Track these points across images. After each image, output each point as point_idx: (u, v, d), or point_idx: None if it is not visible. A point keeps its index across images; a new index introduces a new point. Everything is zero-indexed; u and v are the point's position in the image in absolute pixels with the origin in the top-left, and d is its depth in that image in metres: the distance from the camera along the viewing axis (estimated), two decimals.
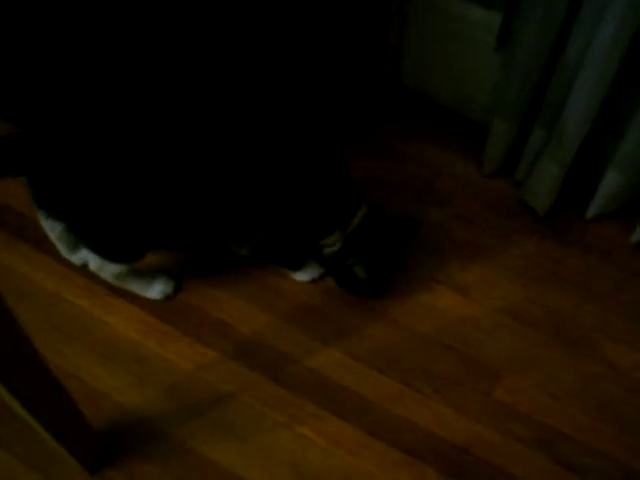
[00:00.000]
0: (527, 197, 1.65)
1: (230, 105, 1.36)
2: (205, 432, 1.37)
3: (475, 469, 1.33)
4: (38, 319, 1.48)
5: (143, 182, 1.27)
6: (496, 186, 1.72)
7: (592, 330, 1.50)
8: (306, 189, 1.35)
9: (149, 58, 1.45)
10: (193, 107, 1.33)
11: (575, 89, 1.39)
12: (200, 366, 1.44)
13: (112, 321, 1.50)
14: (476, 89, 1.72)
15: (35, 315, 1.48)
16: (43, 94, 1.47)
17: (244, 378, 1.43)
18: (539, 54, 1.44)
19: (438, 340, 1.48)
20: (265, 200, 1.34)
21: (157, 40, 1.44)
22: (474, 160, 1.75)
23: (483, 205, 1.69)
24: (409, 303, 1.54)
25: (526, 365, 1.45)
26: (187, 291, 1.55)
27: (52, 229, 1.46)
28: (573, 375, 1.44)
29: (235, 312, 1.52)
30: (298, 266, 1.54)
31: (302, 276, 1.55)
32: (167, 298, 1.53)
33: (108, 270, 1.45)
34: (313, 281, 1.56)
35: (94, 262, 1.44)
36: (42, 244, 1.58)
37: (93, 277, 1.50)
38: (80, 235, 1.38)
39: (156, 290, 1.53)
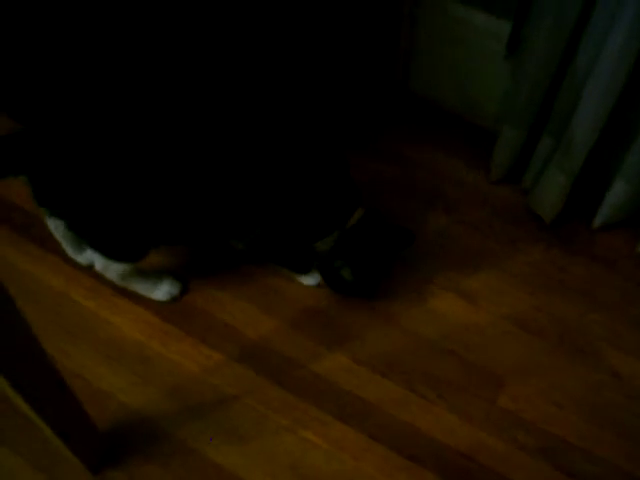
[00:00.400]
0: (534, 205, 1.65)
1: (233, 102, 1.36)
2: (208, 434, 1.37)
3: (477, 476, 1.33)
4: (44, 318, 1.49)
5: (143, 179, 1.27)
6: (503, 193, 1.72)
7: (597, 339, 1.50)
8: (305, 187, 1.35)
9: (151, 57, 1.45)
10: (195, 106, 1.34)
11: (584, 98, 1.39)
12: (204, 368, 1.44)
13: (117, 321, 1.51)
14: (485, 96, 1.72)
15: (41, 314, 1.48)
16: (45, 91, 1.47)
17: (248, 381, 1.43)
18: (548, 63, 1.44)
19: (442, 346, 1.48)
20: (262, 195, 1.34)
21: (161, 40, 1.45)
22: (481, 167, 1.75)
23: (490, 212, 1.69)
24: (415, 308, 1.54)
25: (530, 373, 1.45)
26: (192, 293, 1.55)
27: (57, 228, 1.47)
28: (577, 383, 1.44)
29: (240, 314, 1.52)
30: (305, 269, 1.54)
31: (308, 280, 1.55)
32: (173, 299, 1.53)
33: (113, 270, 1.45)
34: (319, 285, 1.56)
35: (99, 262, 1.44)
36: (48, 243, 1.58)
37: (99, 277, 1.51)
38: (81, 233, 1.38)
39: (162, 291, 1.53)
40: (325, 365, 1.45)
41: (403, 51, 1.77)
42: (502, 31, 1.57)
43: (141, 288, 1.52)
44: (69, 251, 1.52)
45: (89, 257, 1.51)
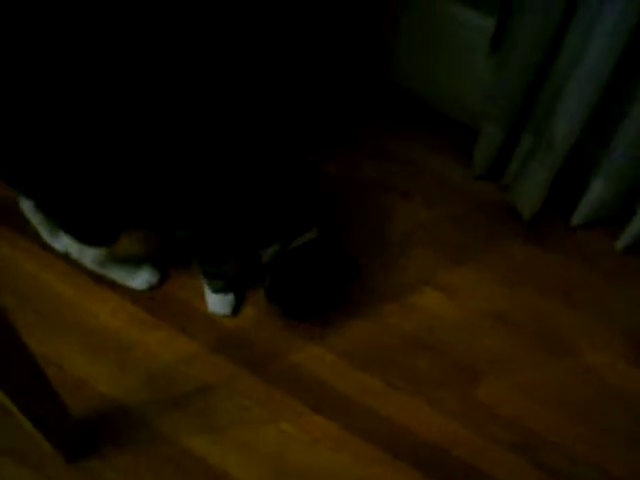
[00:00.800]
0: (514, 201, 1.66)
1: (208, 94, 1.34)
2: (185, 423, 1.37)
3: (453, 469, 1.34)
4: (19, 304, 1.47)
5: (105, 158, 1.24)
6: (484, 189, 1.73)
7: (574, 336, 1.51)
8: (258, 187, 1.32)
9: (129, 48, 1.42)
10: (166, 93, 1.30)
11: (566, 95, 1.40)
12: (183, 357, 1.44)
13: (95, 309, 1.49)
14: (467, 91, 1.72)
15: (16, 300, 1.47)
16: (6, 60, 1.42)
17: (227, 371, 1.43)
18: (531, 59, 1.44)
19: (421, 340, 1.49)
20: (214, 187, 1.30)
21: (139, 30, 1.42)
22: (463, 162, 1.75)
23: (470, 207, 1.69)
24: (394, 302, 1.54)
25: (508, 368, 1.46)
26: (172, 281, 1.54)
27: (33, 213, 1.45)
28: (554, 379, 1.45)
29: None
30: (218, 287, 1.49)
31: (214, 303, 1.51)
32: (152, 288, 1.52)
33: (88, 255, 1.43)
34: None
35: (73, 247, 1.43)
36: (25, 228, 1.56)
37: (77, 264, 1.50)
38: (50, 213, 1.36)
39: (140, 279, 1.51)
40: (303, 357, 1.45)
41: (387, 43, 1.77)
42: (486, 26, 1.57)
43: (119, 276, 1.51)
44: (45, 236, 1.50)
45: (65, 243, 1.48)
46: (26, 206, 1.45)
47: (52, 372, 1.17)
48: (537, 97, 1.51)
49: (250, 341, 1.47)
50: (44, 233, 1.50)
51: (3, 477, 1.31)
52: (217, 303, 1.49)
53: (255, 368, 1.43)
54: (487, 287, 1.57)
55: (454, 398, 1.42)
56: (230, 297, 1.49)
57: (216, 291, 1.47)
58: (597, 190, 1.56)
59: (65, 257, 1.52)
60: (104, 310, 1.49)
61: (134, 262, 1.52)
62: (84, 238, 1.39)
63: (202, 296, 1.51)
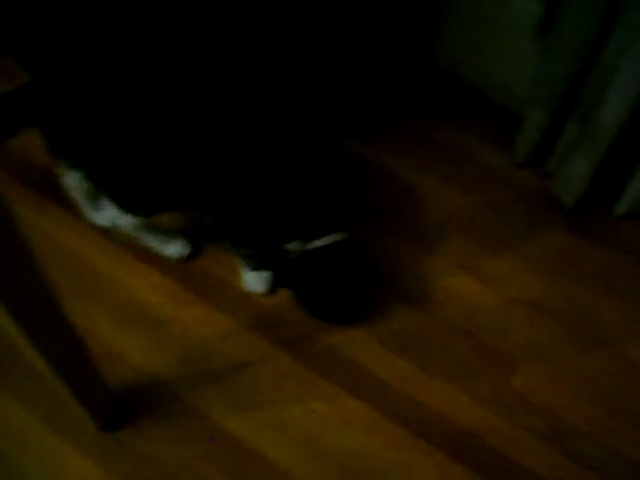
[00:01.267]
0: (556, 190, 1.64)
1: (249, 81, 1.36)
2: (219, 399, 1.38)
3: (484, 456, 1.34)
4: (60, 277, 1.48)
5: (147, 130, 1.28)
6: (525, 177, 1.71)
7: (613, 327, 1.49)
8: (288, 181, 1.32)
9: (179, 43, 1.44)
10: (205, 73, 1.33)
11: (614, 84, 1.38)
12: (218, 334, 1.45)
13: (133, 284, 1.51)
14: (513, 78, 1.70)
15: (57, 273, 1.48)
16: (56, 38, 1.46)
17: (261, 349, 1.44)
18: (580, 46, 1.42)
19: (458, 326, 1.48)
20: (241, 177, 1.31)
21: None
22: (505, 149, 1.74)
23: (511, 195, 1.68)
24: (430, 288, 1.53)
25: (544, 357, 1.45)
26: (208, 258, 1.55)
27: (75, 187, 1.47)
28: (590, 370, 1.44)
29: None
30: (256, 265, 1.49)
31: (251, 281, 1.52)
32: (182, 259, 1.54)
33: (127, 222, 1.45)
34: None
35: (114, 213, 1.45)
36: (68, 203, 1.59)
37: (116, 239, 1.52)
38: (98, 183, 1.38)
39: (173, 248, 1.54)
40: (339, 339, 1.46)
41: (435, 28, 1.75)
42: (534, 10, 1.55)
43: (153, 243, 1.53)
44: (87, 211, 1.52)
45: (107, 217, 1.50)
46: (69, 182, 1.47)
47: (91, 344, 1.18)
48: (584, 85, 1.48)
49: (286, 320, 1.48)
50: (86, 207, 1.51)
51: (38, 442, 1.33)
52: (253, 281, 1.50)
53: (290, 348, 1.44)
54: (525, 275, 1.55)
55: (489, 385, 1.41)
56: (266, 275, 1.49)
57: (252, 269, 1.48)
58: None
59: (106, 233, 1.54)
60: (142, 285, 1.51)
61: (168, 233, 1.54)
62: (127, 207, 1.41)
63: (238, 273, 1.51)
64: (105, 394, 1.30)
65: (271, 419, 1.36)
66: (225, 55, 1.43)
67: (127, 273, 1.53)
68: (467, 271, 1.56)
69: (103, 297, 1.50)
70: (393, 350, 1.44)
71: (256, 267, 1.48)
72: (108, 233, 1.53)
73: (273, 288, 1.50)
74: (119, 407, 1.35)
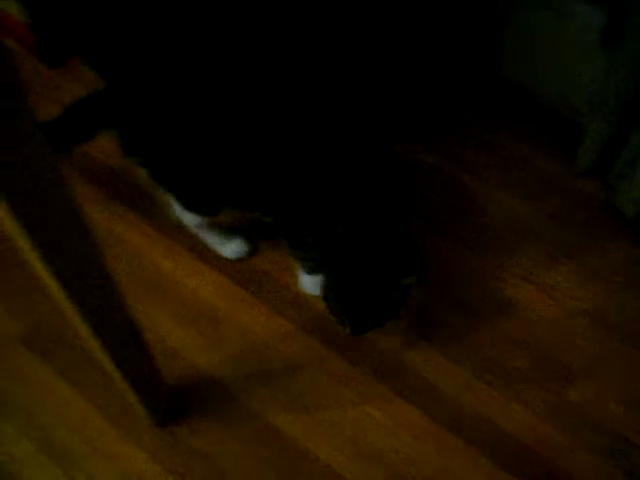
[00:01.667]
0: (618, 201, 1.61)
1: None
2: (272, 399, 1.39)
3: (536, 468, 1.32)
4: (121, 273, 1.52)
5: (210, 132, 1.30)
6: (586, 187, 1.68)
7: None
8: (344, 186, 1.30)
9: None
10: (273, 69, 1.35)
11: None
12: (274, 335, 1.47)
13: (192, 283, 1.54)
14: (575, 86, 1.68)
15: (122, 271, 1.52)
16: (131, 47, 1.50)
17: (316, 352, 1.45)
18: None
19: (515, 336, 1.47)
20: (300, 179, 1.30)
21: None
22: (566, 158, 1.71)
23: (572, 204, 1.65)
24: (491, 296, 1.52)
25: (603, 370, 1.42)
26: (266, 258, 1.57)
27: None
28: None
29: None
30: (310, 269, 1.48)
31: (307, 284, 1.51)
32: (239, 259, 1.56)
33: (190, 218, 1.49)
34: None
35: (177, 209, 1.49)
36: (133, 201, 1.64)
37: (178, 239, 1.55)
38: (161, 182, 1.42)
39: (230, 249, 1.56)
40: (395, 344, 1.46)
41: (496, 36, 1.74)
42: (598, 21, 1.53)
43: (212, 241, 1.56)
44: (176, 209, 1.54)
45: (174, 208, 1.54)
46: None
47: (150, 340, 1.21)
48: None
49: None
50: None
51: (96, 433, 1.37)
52: (309, 283, 1.51)
53: (345, 351, 1.45)
54: (586, 286, 1.53)
55: (545, 397, 1.39)
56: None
57: (308, 272, 1.49)
58: None
59: (171, 235, 1.59)
60: (202, 284, 1.54)
61: (228, 232, 1.56)
62: (189, 207, 1.45)
63: (294, 274, 1.53)
64: (162, 389, 1.33)
65: (324, 421, 1.37)
66: (294, 58, 1.45)
67: (187, 272, 1.56)
68: (526, 281, 1.54)
69: (163, 295, 1.53)
70: (449, 358, 1.44)
71: (311, 271, 1.49)
72: (170, 232, 1.57)
73: None
74: (174, 403, 1.38)
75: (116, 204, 1.66)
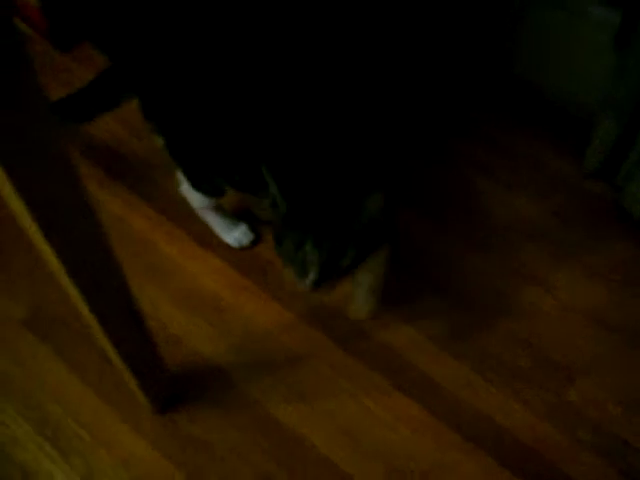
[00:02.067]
0: (626, 203, 1.60)
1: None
2: (272, 389, 1.40)
3: (534, 466, 1.32)
4: (125, 258, 1.52)
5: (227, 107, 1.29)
6: (594, 187, 1.68)
7: None
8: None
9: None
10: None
11: None
12: (276, 325, 1.47)
13: (196, 270, 1.54)
14: (587, 86, 1.67)
15: (126, 256, 1.51)
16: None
17: (317, 343, 1.45)
18: None
19: (517, 334, 1.46)
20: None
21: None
22: (575, 159, 1.71)
23: (579, 204, 1.65)
24: (494, 293, 1.52)
25: (603, 370, 1.42)
26: (270, 248, 1.55)
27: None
28: None
29: None
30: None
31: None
32: (241, 247, 1.56)
33: (195, 197, 1.49)
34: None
35: (185, 186, 1.49)
36: (138, 187, 1.64)
37: (184, 226, 1.55)
38: (173, 154, 1.42)
39: (233, 237, 1.56)
40: (395, 337, 1.46)
41: (510, 35, 1.74)
42: (612, 21, 1.52)
43: (216, 225, 1.56)
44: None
45: (184, 188, 1.53)
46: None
47: (152, 326, 1.22)
48: None
49: (343, 316, 1.48)
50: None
51: (93, 415, 1.37)
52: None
53: (345, 343, 1.45)
54: (590, 286, 1.53)
55: (545, 396, 1.39)
56: None
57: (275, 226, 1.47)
58: None
59: (174, 219, 1.59)
60: (205, 272, 1.54)
61: (233, 218, 1.57)
62: (195, 183, 1.45)
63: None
64: (163, 375, 1.33)
65: (323, 411, 1.37)
66: (306, 45, 1.45)
67: (190, 258, 1.56)
68: (531, 280, 1.54)
69: (165, 280, 1.53)
70: (449, 353, 1.44)
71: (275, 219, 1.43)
72: (175, 218, 1.57)
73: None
74: (174, 389, 1.38)
75: (118, 186, 1.66)
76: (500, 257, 1.57)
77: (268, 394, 1.39)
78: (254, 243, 1.57)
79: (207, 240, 1.57)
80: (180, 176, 1.50)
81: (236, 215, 1.58)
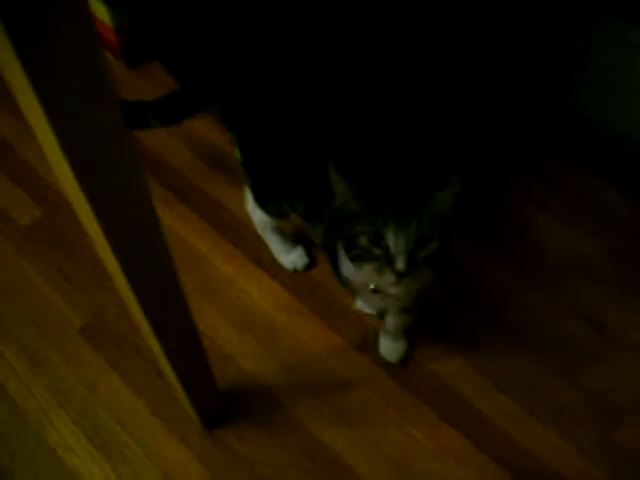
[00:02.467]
0: None
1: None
2: (319, 413, 1.41)
3: None
4: (187, 278, 1.55)
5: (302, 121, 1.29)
6: None
7: None
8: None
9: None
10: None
11: None
12: (327, 349, 1.48)
13: (251, 290, 1.57)
14: None
15: (181, 272, 1.56)
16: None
17: (366, 370, 1.46)
18: None
19: (567, 371, 1.45)
20: None
21: None
22: (633, 196, 1.70)
23: (637, 243, 1.63)
24: (543, 329, 1.52)
25: None
26: (325, 272, 1.58)
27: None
28: None
29: None
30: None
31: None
32: (295, 270, 1.59)
33: (258, 216, 1.53)
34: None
35: (250, 203, 1.53)
36: (199, 206, 1.68)
37: (241, 246, 1.58)
38: (247, 167, 1.43)
39: (289, 260, 1.59)
40: (444, 368, 1.46)
41: (571, 69, 1.74)
42: None
43: (273, 246, 1.59)
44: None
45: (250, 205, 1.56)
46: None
47: (205, 343, 1.24)
48: None
49: None
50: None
51: (142, 425, 1.40)
52: (364, 305, 1.52)
53: (395, 372, 1.45)
54: None
55: (591, 435, 1.37)
56: None
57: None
58: None
59: (232, 239, 1.63)
60: (260, 292, 1.57)
61: (291, 241, 1.60)
62: (260, 202, 1.48)
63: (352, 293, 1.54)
64: (213, 393, 1.35)
65: (369, 439, 1.38)
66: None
67: (246, 279, 1.59)
68: (583, 316, 1.53)
69: (222, 300, 1.56)
70: (497, 386, 1.43)
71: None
72: (233, 239, 1.61)
73: (382, 312, 1.52)
74: (223, 406, 1.40)
75: (181, 205, 1.71)
76: (555, 292, 1.56)
77: (315, 417, 1.40)
78: (308, 267, 1.60)
79: (264, 262, 1.60)
80: (248, 193, 1.53)
81: (293, 238, 1.61)
